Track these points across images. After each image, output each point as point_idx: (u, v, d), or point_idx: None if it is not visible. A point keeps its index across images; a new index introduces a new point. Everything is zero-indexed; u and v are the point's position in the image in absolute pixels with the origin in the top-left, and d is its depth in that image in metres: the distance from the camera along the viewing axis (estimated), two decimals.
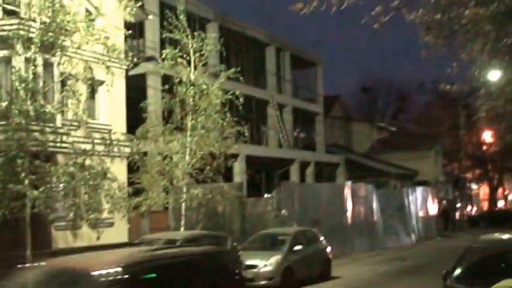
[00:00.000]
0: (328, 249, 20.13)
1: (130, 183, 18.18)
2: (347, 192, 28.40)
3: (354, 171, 42.75)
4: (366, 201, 30.21)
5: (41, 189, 13.39)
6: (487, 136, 56.66)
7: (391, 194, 34.84)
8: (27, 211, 13.64)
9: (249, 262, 16.33)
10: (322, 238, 20.28)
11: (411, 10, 9.17)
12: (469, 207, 58.83)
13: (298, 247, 18.27)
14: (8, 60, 15.95)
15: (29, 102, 13.98)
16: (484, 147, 59.69)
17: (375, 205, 30.92)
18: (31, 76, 14.19)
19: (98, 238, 14.30)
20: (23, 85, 13.93)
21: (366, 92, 73.11)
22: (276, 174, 36.02)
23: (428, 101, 66.00)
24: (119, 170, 17.84)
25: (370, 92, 72.92)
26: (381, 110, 72.90)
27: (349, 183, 30.21)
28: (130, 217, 17.88)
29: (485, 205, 66.46)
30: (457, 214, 51.29)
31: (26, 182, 13.42)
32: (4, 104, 14.37)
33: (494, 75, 12.66)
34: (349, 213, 28.14)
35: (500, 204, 66.81)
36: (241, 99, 18.83)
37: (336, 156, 43.09)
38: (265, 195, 28.07)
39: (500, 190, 64.67)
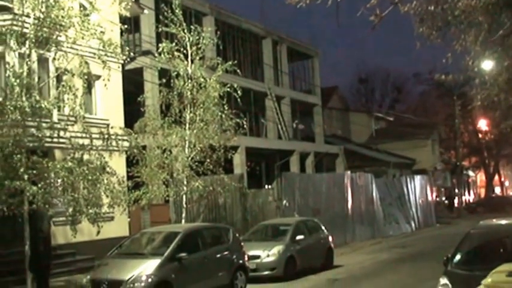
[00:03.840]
0: (330, 238, 20.14)
1: (130, 177, 18.12)
2: (347, 181, 28.42)
3: (352, 161, 42.81)
4: (365, 190, 30.24)
5: (39, 185, 13.31)
6: (483, 124, 56.78)
7: (390, 183, 34.84)
8: (25, 207, 13.56)
9: (251, 253, 16.34)
10: (323, 227, 20.27)
11: (405, 2, 9.17)
12: (466, 195, 59.02)
13: (300, 237, 18.28)
14: (1, 56, 15.86)
15: (24, 98, 13.86)
16: (480, 136, 59.80)
17: (374, 194, 30.95)
18: (26, 72, 14.09)
19: (98, 233, 14.20)
20: (18, 81, 13.83)
21: (362, 83, 73.16)
22: (276, 166, 36.01)
23: (424, 90, 66.14)
24: (117, 164, 17.76)
25: (367, 83, 72.97)
26: (378, 100, 73.03)
27: (348, 172, 30.25)
28: (131, 211, 17.82)
29: (482, 192, 66.64)
30: (456, 201, 51.58)
31: (25, 177, 13.34)
32: None
33: (487, 64, 12.73)
34: (349, 203, 28.15)
35: (497, 190, 66.98)
36: (239, 92, 18.74)
37: (335, 146, 43.12)
38: (266, 186, 28.09)
39: (496, 177, 64.83)
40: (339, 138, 49.43)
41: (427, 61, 79.56)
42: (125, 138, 17.51)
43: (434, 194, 40.92)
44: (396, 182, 35.55)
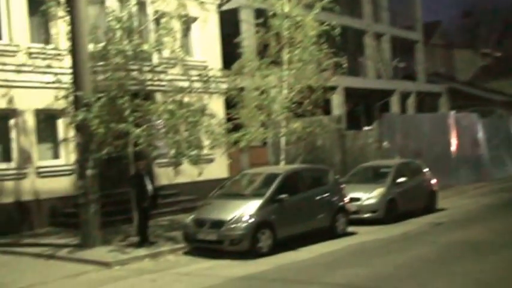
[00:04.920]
0: (433, 181, 19.57)
1: (228, 119, 18.22)
2: (450, 122, 27.44)
3: (457, 100, 41.26)
4: (470, 131, 29.06)
5: (143, 127, 13.60)
6: None
7: (497, 123, 33.25)
8: (130, 149, 13.94)
9: (351, 195, 16.14)
10: (426, 170, 19.71)
11: None
12: None
13: (401, 179, 17.86)
14: (102, 2, 16.12)
15: (125, 42, 14.09)
16: None
17: (480, 135, 29.71)
18: (126, 16, 14.26)
19: (200, 174, 14.42)
20: (119, 25, 14.04)
21: (467, 16, 69.62)
22: (376, 106, 35.26)
23: None
24: (217, 106, 17.90)
25: (472, 16, 69.37)
26: (484, 35, 69.28)
27: (452, 113, 29.16)
28: (230, 153, 17.97)
29: None
30: None
31: (130, 119, 13.66)
32: (102, 44, 14.56)
33: None
34: (453, 144, 27.23)
35: None
36: (337, 30, 18.17)
37: (437, 85, 41.63)
38: (365, 128, 27.59)
39: None
40: (442, 77, 47.60)
41: None
42: (223, 80, 17.51)
43: None
44: (504, 122, 33.92)
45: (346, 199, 15.46)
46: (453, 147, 27.16)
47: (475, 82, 48.93)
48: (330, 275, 10.79)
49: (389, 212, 16.95)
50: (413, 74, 41.32)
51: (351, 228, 15.36)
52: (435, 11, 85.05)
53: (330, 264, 11.78)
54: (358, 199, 16.67)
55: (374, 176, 18.61)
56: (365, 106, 36.72)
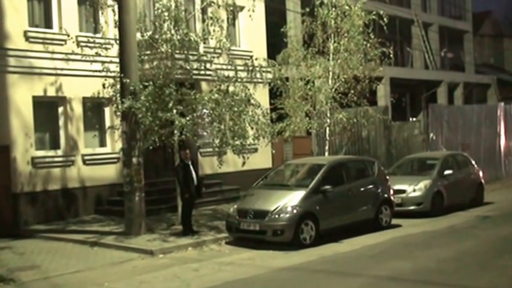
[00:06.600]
0: (480, 173, 19.17)
1: (272, 109, 18.16)
2: (500, 114, 26.75)
3: (506, 91, 40.33)
4: None
5: (188, 117, 13.64)
6: None
7: None
8: (175, 137, 14.01)
9: (396, 187, 15.92)
10: (473, 162, 19.31)
11: None
12: None
13: (448, 172, 17.54)
14: None
15: (173, 31, 14.14)
16: None
17: None
18: (173, 5, 14.31)
19: (244, 164, 14.40)
20: (167, 14, 14.09)
21: None
22: (422, 97, 34.72)
23: None
24: (261, 96, 17.82)
25: None
26: None
27: (501, 104, 28.45)
28: (274, 143, 17.93)
29: None
30: None
31: (174, 110, 13.72)
32: (149, 33, 14.64)
33: None
34: (502, 137, 26.59)
35: None
36: (385, 19, 17.91)
37: (486, 76, 40.71)
38: (411, 119, 27.20)
39: None
40: (491, 68, 46.62)
41: None
42: (269, 69, 17.45)
43: None
44: None
45: (391, 191, 15.25)
46: (502, 139, 26.55)
47: None
48: (374, 268, 10.67)
49: (435, 204, 16.67)
50: (461, 64, 40.55)
51: (395, 221, 15.17)
52: (485, 0, 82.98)
53: (374, 257, 11.64)
54: (403, 191, 16.45)
55: (420, 168, 18.34)
56: (411, 97, 36.22)
